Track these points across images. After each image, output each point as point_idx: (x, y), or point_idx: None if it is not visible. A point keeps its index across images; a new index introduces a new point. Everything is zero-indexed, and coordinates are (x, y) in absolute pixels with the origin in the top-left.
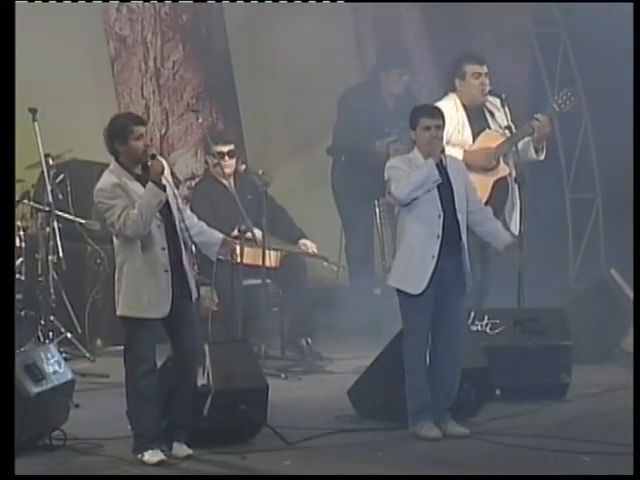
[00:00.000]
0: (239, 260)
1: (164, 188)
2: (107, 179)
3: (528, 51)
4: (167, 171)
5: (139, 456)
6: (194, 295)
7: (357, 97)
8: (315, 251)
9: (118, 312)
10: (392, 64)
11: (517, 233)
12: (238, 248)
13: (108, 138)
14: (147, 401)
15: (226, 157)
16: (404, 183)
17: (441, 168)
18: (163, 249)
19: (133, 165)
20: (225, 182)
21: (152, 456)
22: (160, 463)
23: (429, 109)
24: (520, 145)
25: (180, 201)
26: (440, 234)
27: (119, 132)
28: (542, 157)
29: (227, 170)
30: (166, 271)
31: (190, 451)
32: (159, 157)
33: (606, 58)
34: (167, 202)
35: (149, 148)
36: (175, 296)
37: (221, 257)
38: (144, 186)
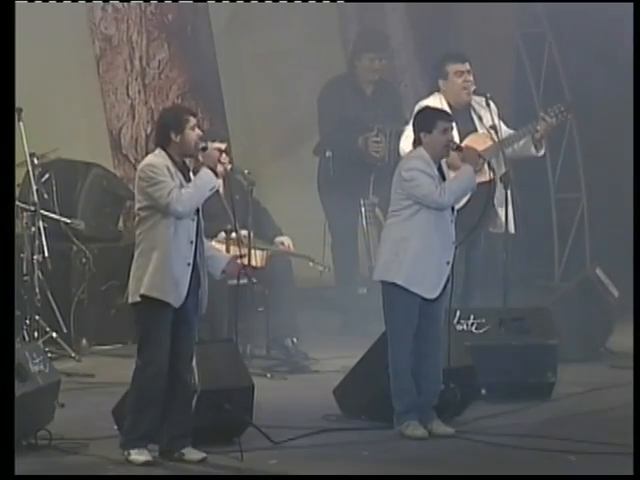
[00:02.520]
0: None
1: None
2: (155, 159)
3: (513, 51)
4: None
5: (125, 454)
6: (204, 300)
7: (335, 89)
8: (291, 248)
9: (142, 291)
10: (363, 49)
11: (513, 232)
12: (224, 247)
13: (163, 128)
14: (149, 402)
15: (223, 154)
16: (447, 190)
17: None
18: (191, 242)
19: (180, 158)
20: None
21: (138, 455)
22: (146, 463)
23: (444, 113)
24: (521, 142)
25: None
26: (455, 240)
27: (176, 122)
28: (542, 153)
29: (220, 168)
30: (188, 264)
31: (204, 454)
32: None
33: (591, 57)
34: None
35: (200, 140)
36: (191, 289)
37: (225, 275)
38: (186, 179)
